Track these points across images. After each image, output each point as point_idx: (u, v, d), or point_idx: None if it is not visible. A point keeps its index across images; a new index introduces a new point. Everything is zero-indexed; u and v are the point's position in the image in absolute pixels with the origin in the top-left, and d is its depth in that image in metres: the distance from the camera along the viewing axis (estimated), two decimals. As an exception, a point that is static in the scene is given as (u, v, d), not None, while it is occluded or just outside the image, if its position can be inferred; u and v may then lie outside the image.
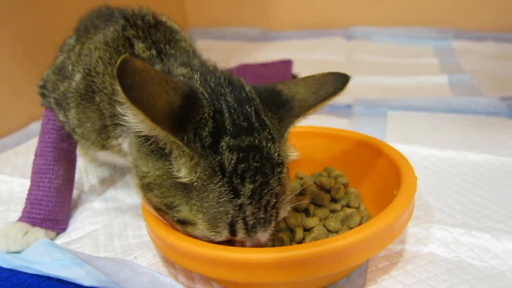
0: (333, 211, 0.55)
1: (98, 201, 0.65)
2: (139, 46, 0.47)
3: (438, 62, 1.17)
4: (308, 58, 1.26)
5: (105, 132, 0.49)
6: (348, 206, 0.55)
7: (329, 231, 0.50)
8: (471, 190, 0.60)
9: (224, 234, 0.38)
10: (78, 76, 0.49)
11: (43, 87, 0.58)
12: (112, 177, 0.72)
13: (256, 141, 0.38)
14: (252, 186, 0.36)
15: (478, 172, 0.64)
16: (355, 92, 1.01)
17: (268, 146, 0.38)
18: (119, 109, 0.35)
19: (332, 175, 0.60)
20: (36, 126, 0.93)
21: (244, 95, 0.40)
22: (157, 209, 0.41)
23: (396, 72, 1.12)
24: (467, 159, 0.68)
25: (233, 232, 0.38)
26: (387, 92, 1.00)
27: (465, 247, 0.48)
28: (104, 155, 0.58)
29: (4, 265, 0.51)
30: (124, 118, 0.35)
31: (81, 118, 0.49)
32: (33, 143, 0.86)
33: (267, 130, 0.39)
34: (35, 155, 0.59)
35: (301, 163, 0.63)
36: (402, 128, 0.80)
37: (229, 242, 0.40)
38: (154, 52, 0.46)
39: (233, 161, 0.36)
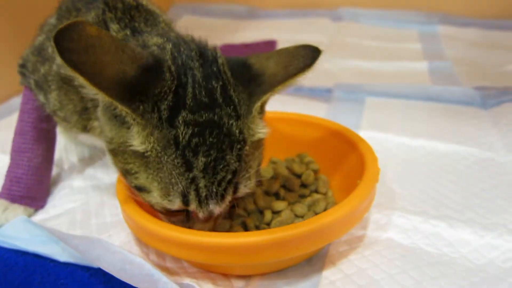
0: (302, 196, 0.57)
1: (77, 179, 0.67)
2: (113, 28, 0.47)
3: (421, 47, 1.18)
4: (294, 39, 1.26)
5: (86, 114, 0.50)
6: (316, 191, 0.58)
7: (296, 215, 0.53)
8: (435, 179, 0.62)
9: (177, 204, 0.39)
10: (59, 59, 0.49)
11: (23, 66, 0.59)
12: (92, 156, 0.73)
13: (216, 117, 0.38)
14: (205, 160, 0.38)
15: (444, 162, 0.67)
16: (337, 76, 1.03)
17: (230, 122, 0.39)
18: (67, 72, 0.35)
19: (304, 161, 0.62)
20: (17, 101, 0.93)
21: (215, 68, 0.41)
22: (121, 174, 0.43)
23: (379, 56, 1.13)
24: (436, 149, 0.70)
25: (185, 202, 0.39)
26: (368, 77, 1.02)
27: (421, 234, 0.51)
28: (84, 138, 0.59)
29: (-17, 240, 0.53)
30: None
31: (63, 100, 0.50)
32: (14, 118, 0.86)
33: (232, 106, 0.39)
34: (15, 134, 0.60)
35: (275, 148, 0.65)
36: (378, 115, 0.82)
37: (186, 213, 0.42)
38: (128, 32, 0.47)
39: (187, 135, 0.37)
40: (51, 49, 0.52)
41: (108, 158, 0.43)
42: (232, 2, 1.54)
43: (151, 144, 0.38)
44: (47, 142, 0.62)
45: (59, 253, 0.49)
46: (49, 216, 0.59)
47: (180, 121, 0.38)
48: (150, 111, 0.37)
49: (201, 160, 0.38)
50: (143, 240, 0.44)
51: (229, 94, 0.40)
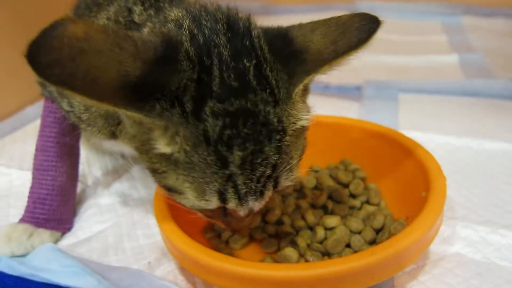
0: (352, 208, 0.53)
1: (104, 196, 0.62)
2: (137, 10, 0.41)
3: (447, 39, 1.13)
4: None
5: (113, 118, 0.45)
6: (368, 202, 0.53)
7: (352, 231, 0.48)
8: (491, 182, 0.58)
9: (215, 203, 0.35)
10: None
11: None
12: (116, 168, 0.69)
13: (249, 104, 0.32)
14: (242, 154, 0.32)
15: (496, 162, 0.62)
16: (364, 73, 0.98)
17: (266, 110, 0.33)
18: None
19: (349, 169, 0.58)
20: (32, 110, 0.89)
21: (247, 43, 0.34)
22: (147, 170, 0.38)
23: (404, 50, 1.08)
24: (484, 148, 0.65)
25: (223, 200, 0.35)
26: (396, 72, 0.97)
27: (492, 247, 0.46)
28: (111, 144, 0.54)
29: (10, 272, 0.48)
30: None
31: (87, 102, 0.45)
32: (29, 128, 0.82)
33: (268, 90, 0.33)
34: (36, 150, 0.56)
35: (315, 155, 0.60)
36: (414, 113, 0.78)
37: (223, 210, 0.38)
38: (152, 11, 0.41)
39: (218, 128, 0.32)
40: None
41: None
42: (246, -2, 1.49)
43: (179, 145, 0.33)
44: (71, 158, 0.57)
45: (95, 286, 0.44)
46: (77, 240, 0.54)
47: (208, 113, 0.32)
48: (170, 108, 0.31)
49: (237, 155, 0.32)
50: (192, 272, 0.40)
51: (264, 75, 0.34)
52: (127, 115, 0.35)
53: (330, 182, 0.56)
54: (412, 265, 0.45)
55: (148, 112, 0.31)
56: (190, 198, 0.35)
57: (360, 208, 0.52)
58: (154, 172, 0.36)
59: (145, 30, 0.37)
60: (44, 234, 0.53)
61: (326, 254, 0.46)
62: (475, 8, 1.28)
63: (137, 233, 0.54)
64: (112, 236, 0.54)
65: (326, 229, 0.49)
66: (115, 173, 0.68)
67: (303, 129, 0.37)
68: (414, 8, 1.32)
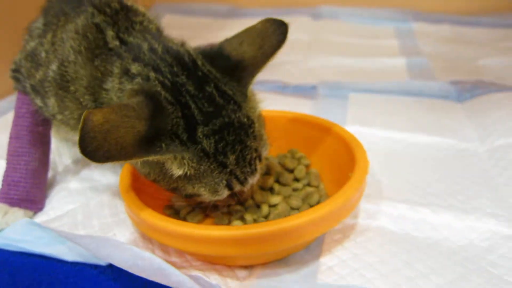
0: (295, 190, 0.60)
1: (73, 181, 0.68)
2: (109, 35, 0.48)
3: (398, 44, 1.23)
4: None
5: None
6: (309, 185, 0.61)
7: (292, 208, 0.56)
8: (418, 169, 0.67)
9: (226, 193, 0.46)
10: (54, 66, 0.50)
11: (16, 70, 0.59)
12: (86, 157, 0.74)
13: (226, 118, 0.43)
14: (235, 155, 0.43)
15: (426, 153, 0.71)
16: (320, 73, 1.07)
17: (237, 115, 0.43)
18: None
19: (296, 157, 0.65)
20: (2, 105, 0.92)
21: (200, 73, 0.44)
22: (168, 190, 0.48)
23: (359, 53, 1.17)
24: (417, 141, 0.75)
25: (231, 188, 0.45)
26: (350, 73, 1.06)
27: (408, 221, 0.55)
28: None
29: (-13, 245, 0.54)
30: None
31: (60, 106, 0.51)
32: (1, 122, 0.86)
33: (231, 101, 0.44)
34: (10, 138, 0.61)
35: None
36: (362, 110, 0.86)
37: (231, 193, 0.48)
38: (117, 42, 0.48)
39: (212, 144, 0.42)
40: (44, 54, 0.53)
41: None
42: (214, 1, 1.56)
43: (187, 165, 0.42)
44: (43, 145, 0.63)
45: (66, 253, 0.50)
46: (49, 218, 0.60)
47: (201, 136, 0.42)
48: (171, 142, 0.41)
49: (231, 157, 0.43)
50: (148, 235, 0.47)
51: (223, 90, 0.44)
52: (143, 160, 0.43)
53: (278, 168, 0.64)
54: (339, 234, 0.53)
55: (158, 152, 0.40)
56: (207, 197, 0.46)
57: (301, 189, 0.60)
58: (174, 190, 0.46)
59: (115, 78, 0.45)
60: (18, 213, 0.59)
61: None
62: (425, 15, 1.39)
63: (105, 213, 0.60)
64: (81, 214, 0.60)
65: (270, 206, 0.56)
66: (85, 161, 0.73)
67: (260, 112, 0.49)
68: (371, 14, 1.41)
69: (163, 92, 0.42)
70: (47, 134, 0.64)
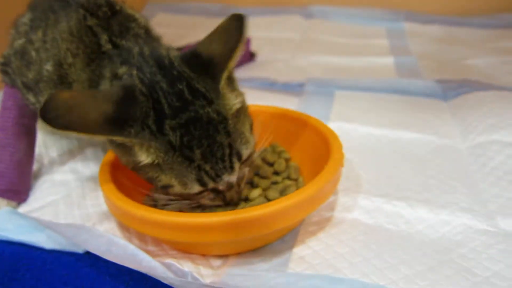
0: (274, 183, 0.61)
1: (58, 173, 0.69)
2: (103, 38, 0.51)
3: (388, 43, 1.24)
4: (267, 36, 1.30)
5: None
6: (288, 178, 0.62)
7: (268, 199, 0.57)
8: (398, 165, 0.68)
9: (197, 188, 0.46)
10: (48, 66, 0.52)
11: (4, 64, 0.60)
12: (71, 150, 0.75)
13: (192, 113, 0.44)
14: (200, 150, 0.44)
15: (406, 149, 0.72)
16: (309, 71, 1.08)
17: (206, 111, 0.44)
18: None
19: (276, 151, 0.66)
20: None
21: (175, 72, 0.46)
22: (148, 181, 0.49)
23: (349, 52, 1.18)
24: (399, 137, 0.76)
25: (203, 184, 0.46)
26: (338, 72, 1.07)
27: (383, 214, 0.56)
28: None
29: (-31, 232, 0.55)
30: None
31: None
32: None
33: (201, 97, 0.45)
34: (-4, 130, 0.62)
35: (259, 141, 0.69)
36: (346, 107, 0.87)
37: (212, 190, 0.48)
38: (110, 46, 0.50)
39: (178, 137, 0.43)
40: (34, 53, 0.54)
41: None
42: (205, 0, 1.57)
43: (154, 154, 0.44)
44: (29, 137, 0.64)
45: (45, 241, 0.51)
46: (32, 208, 0.61)
47: (168, 129, 0.43)
48: (141, 130, 0.43)
49: (197, 152, 0.44)
50: (124, 222, 0.48)
51: (195, 88, 0.45)
52: (116, 145, 0.46)
53: (258, 162, 0.65)
54: (314, 226, 0.54)
55: (127, 135, 0.43)
56: (179, 189, 0.46)
57: (280, 183, 0.61)
58: (151, 179, 0.47)
59: (106, 80, 0.48)
60: (1, 203, 0.60)
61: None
62: (415, 15, 1.40)
63: (87, 203, 0.61)
64: (63, 204, 0.61)
65: (248, 200, 0.57)
66: (70, 154, 0.74)
67: (242, 108, 0.49)
68: (362, 13, 1.42)
69: (139, 85, 0.45)
70: (33, 127, 0.65)
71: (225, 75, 0.46)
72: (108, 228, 0.54)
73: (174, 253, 0.50)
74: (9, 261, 0.51)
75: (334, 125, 0.78)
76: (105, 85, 0.48)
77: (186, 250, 0.50)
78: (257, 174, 0.63)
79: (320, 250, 0.50)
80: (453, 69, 1.05)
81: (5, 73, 0.61)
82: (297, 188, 0.58)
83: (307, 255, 0.49)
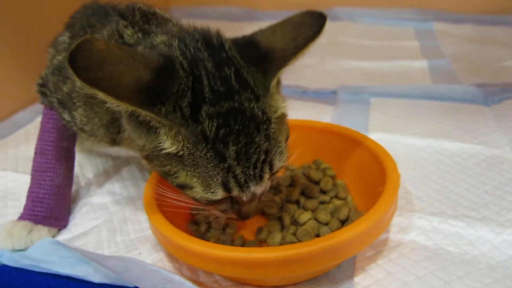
0: (322, 203, 0.59)
1: (96, 195, 0.67)
2: (127, 33, 0.48)
3: (418, 45, 1.20)
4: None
5: (113, 127, 0.51)
6: (336, 197, 0.60)
7: (320, 223, 0.54)
8: (447, 178, 0.65)
9: (220, 193, 0.40)
10: (76, 79, 0.49)
11: (42, 85, 0.59)
12: (107, 170, 0.74)
13: (236, 104, 0.39)
14: (236, 147, 0.39)
15: (453, 160, 0.69)
16: (340, 77, 1.05)
17: (251, 106, 0.39)
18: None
19: (321, 168, 0.64)
20: (23, 116, 0.93)
21: (223, 55, 0.41)
22: (161, 175, 0.44)
23: (378, 55, 1.15)
24: (444, 148, 0.72)
25: (227, 190, 0.40)
26: (369, 77, 1.04)
27: (442, 235, 0.53)
28: (112, 150, 0.59)
29: (12, 264, 0.53)
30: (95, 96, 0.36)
31: (89, 115, 0.50)
32: (20, 133, 0.86)
33: (249, 89, 0.40)
34: (35, 153, 0.60)
35: (290, 155, 0.66)
36: (383, 116, 0.84)
37: (230, 198, 0.43)
38: (140, 34, 0.48)
39: (213, 128, 0.38)
40: None
41: (143, 163, 0.44)
42: (228, 4, 1.55)
43: (181, 143, 0.39)
44: (68, 161, 0.62)
45: (92, 274, 0.49)
46: (72, 236, 0.59)
47: (204, 116, 0.38)
48: (172, 111, 0.38)
49: (232, 149, 0.39)
50: (175, 255, 0.45)
51: (244, 78, 0.40)
52: (137, 124, 0.41)
53: (303, 180, 0.62)
54: (371, 250, 0.51)
55: (156, 112, 0.37)
56: (199, 192, 0.41)
57: (329, 202, 0.59)
58: (167, 174, 0.42)
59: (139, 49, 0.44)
60: (43, 230, 0.58)
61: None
62: (445, 14, 1.35)
63: (128, 228, 0.59)
64: (105, 230, 0.59)
65: (299, 224, 0.54)
66: (106, 174, 0.73)
67: (283, 117, 0.45)
68: (389, 14, 1.38)
69: (180, 58, 0.40)
70: (72, 149, 0.63)
71: (280, 73, 0.41)
72: (156, 259, 0.52)
73: (228, 285, 0.48)
74: (57, 296, 0.49)
75: (375, 137, 0.74)
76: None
77: (240, 281, 0.48)
78: (302, 194, 0.60)
79: (382, 279, 0.47)
80: (491, 71, 1.01)
81: (43, 94, 0.59)
82: (348, 208, 0.55)
83: (370, 284, 0.46)
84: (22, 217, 0.58)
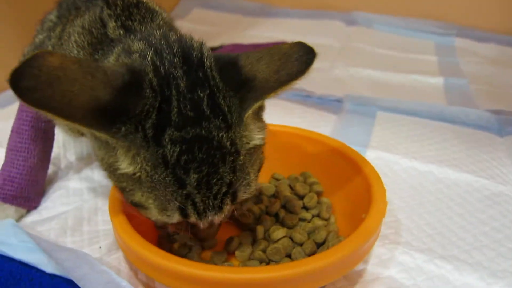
0: (302, 220, 0.55)
1: (73, 180, 0.65)
2: (110, 25, 0.45)
3: (436, 60, 1.14)
4: (304, 41, 1.22)
5: None
6: (318, 216, 0.56)
7: (295, 242, 0.50)
8: (443, 211, 0.60)
9: (176, 218, 0.38)
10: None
11: None
12: (90, 155, 0.71)
13: (204, 131, 0.36)
14: (197, 176, 0.36)
15: (454, 191, 0.64)
16: (348, 84, 1.00)
17: (220, 135, 0.37)
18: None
19: (308, 182, 0.60)
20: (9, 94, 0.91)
21: (200, 74, 0.38)
22: (118, 190, 0.42)
23: (393, 66, 1.09)
24: (446, 176, 0.67)
25: (184, 215, 0.38)
26: (380, 88, 0.98)
27: (425, 275, 0.49)
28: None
29: (-29, 243, 0.51)
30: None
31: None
32: (12, 109, 0.83)
33: (221, 117, 0.37)
34: (11, 131, 0.58)
35: (279, 163, 0.62)
36: (388, 132, 0.79)
37: (186, 223, 0.41)
38: (122, 31, 0.45)
39: (175, 153, 0.36)
40: (50, 48, 0.50)
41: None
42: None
43: (139, 165, 0.36)
44: (45, 142, 0.59)
45: (45, 264, 0.47)
46: (41, 218, 0.57)
47: (167, 140, 0.36)
48: (134, 131, 0.35)
49: (193, 177, 0.36)
50: (135, 265, 0.42)
51: (217, 103, 0.37)
52: (95, 136, 0.38)
53: (287, 192, 0.58)
54: (344, 282, 0.47)
55: (114, 133, 0.35)
56: (154, 213, 0.39)
57: (309, 221, 0.55)
58: (122, 190, 0.40)
59: (112, 58, 0.41)
60: (9, 210, 0.56)
61: (265, 262, 0.48)
62: (469, 30, 1.28)
63: (97, 219, 0.57)
64: (72, 218, 0.56)
65: (271, 240, 0.51)
66: (89, 159, 0.70)
67: (258, 148, 0.41)
68: (409, 24, 1.32)
69: (150, 75, 0.37)
70: (50, 131, 0.61)
71: (258, 104, 0.38)
72: (114, 257, 0.49)
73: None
74: (7, 280, 0.47)
75: (373, 154, 0.71)
76: (111, 58, 0.41)
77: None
78: (284, 207, 0.57)
79: (349, 316, 0.43)
80: (510, 98, 0.94)
81: None
82: (328, 231, 0.51)
83: (334, 320, 0.43)
84: (-9, 194, 0.56)
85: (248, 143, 0.39)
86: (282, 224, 0.54)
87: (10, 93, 0.88)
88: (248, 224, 0.53)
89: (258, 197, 0.59)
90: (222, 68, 0.39)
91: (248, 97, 0.38)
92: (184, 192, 0.37)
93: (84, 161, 0.70)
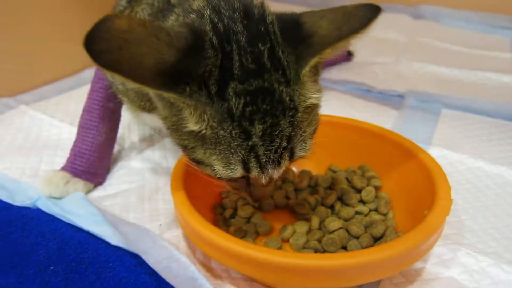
0: (359, 213, 0.54)
1: (136, 160, 0.68)
2: None
3: (511, 58, 1.06)
4: (368, 34, 1.19)
5: (142, 94, 0.50)
6: (376, 211, 0.54)
7: (351, 234, 0.49)
8: (511, 215, 0.56)
9: (239, 172, 0.39)
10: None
11: None
12: (152, 137, 0.74)
13: (266, 83, 0.37)
14: (262, 126, 0.37)
15: (525, 196, 0.60)
16: (411, 80, 0.96)
17: (280, 89, 0.37)
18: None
19: (366, 175, 0.58)
20: (89, 73, 0.97)
21: (262, 28, 0.38)
22: (178, 147, 0.43)
23: (462, 63, 1.03)
24: (518, 180, 0.63)
25: (247, 169, 0.39)
26: (445, 85, 0.93)
27: (490, 280, 0.46)
28: (147, 118, 0.59)
29: (45, 210, 0.56)
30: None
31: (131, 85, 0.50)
32: (85, 90, 0.89)
33: (281, 71, 0.37)
34: (83, 110, 0.62)
35: (337, 156, 0.61)
36: (453, 131, 0.75)
37: (246, 180, 0.43)
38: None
39: (240, 106, 0.36)
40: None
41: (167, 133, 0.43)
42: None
43: (206, 122, 0.37)
44: (112, 121, 0.63)
45: (111, 236, 0.50)
46: (106, 194, 0.61)
47: (231, 93, 0.36)
48: (198, 90, 0.36)
49: (258, 128, 0.37)
50: (194, 243, 0.44)
51: (277, 57, 0.38)
52: (161, 97, 0.39)
53: (344, 185, 0.57)
54: (401, 278, 0.46)
55: (180, 93, 0.35)
56: (217, 169, 0.39)
57: (366, 215, 0.53)
58: (184, 147, 0.41)
59: (172, 18, 0.41)
60: (79, 183, 0.60)
61: (320, 252, 0.48)
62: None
63: (158, 198, 0.59)
64: (135, 196, 0.59)
65: (327, 230, 0.50)
66: (150, 141, 0.73)
67: (314, 107, 0.41)
68: (482, 19, 1.23)
69: (210, 34, 0.37)
70: (117, 112, 0.64)
71: (314, 61, 0.38)
72: (174, 235, 0.51)
73: (237, 278, 0.46)
74: (75, 250, 0.50)
75: (436, 152, 0.68)
76: (172, 18, 0.41)
77: (253, 279, 0.45)
78: (340, 199, 0.56)
79: (405, 313, 0.42)
80: None
81: None
82: (386, 226, 0.50)
83: (389, 316, 0.41)
84: (63, 168, 0.61)
85: (305, 101, 0.39)
86: (338, 216, 0.53)
87: (82, 75, 0.96)
88: (303, 214, 0.53)
89: (314, 188, 0.59)
90: (283, 25, 0.39)
91: (305, 53, 0.38)
92: (250, 143, 0.37)
93: (146, 142, 0.73)
